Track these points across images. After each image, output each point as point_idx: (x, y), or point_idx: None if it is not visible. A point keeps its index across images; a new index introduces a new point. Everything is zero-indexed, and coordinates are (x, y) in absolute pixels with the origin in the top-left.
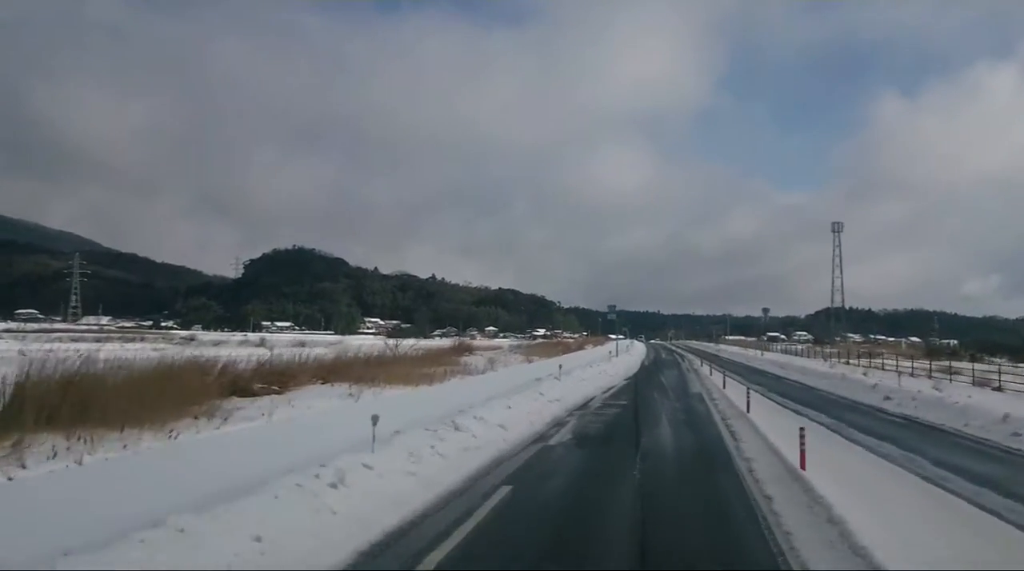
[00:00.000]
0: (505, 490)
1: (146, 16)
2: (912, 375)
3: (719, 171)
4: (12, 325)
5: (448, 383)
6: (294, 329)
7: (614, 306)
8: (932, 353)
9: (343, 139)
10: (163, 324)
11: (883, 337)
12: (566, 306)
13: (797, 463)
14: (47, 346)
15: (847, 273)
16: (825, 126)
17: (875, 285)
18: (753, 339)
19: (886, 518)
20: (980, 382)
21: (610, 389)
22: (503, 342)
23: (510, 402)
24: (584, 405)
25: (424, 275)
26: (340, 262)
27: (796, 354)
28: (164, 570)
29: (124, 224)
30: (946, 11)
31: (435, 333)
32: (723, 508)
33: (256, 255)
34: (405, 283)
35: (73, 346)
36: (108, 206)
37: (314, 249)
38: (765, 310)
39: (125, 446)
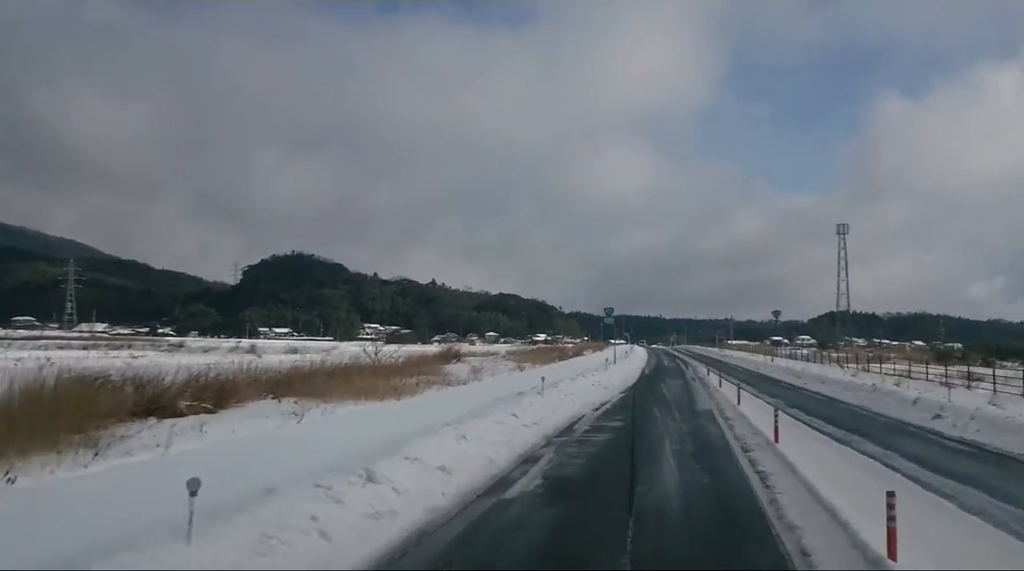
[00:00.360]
0: None
1: (145, 19)
2: (946, 384)
3: (721, 173)
4: (1, 333)
5: (418, 397)
6: (292, 335)
7: (611, 309)
8: (942, 357)
9: (344, 143)
10: (160, 331)
11: (887, 341)
12: (567, 311)
13: (874, 539)
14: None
15: (851, 276)
16: (828, 128)
17: (878, 289)
18: (756, 343)
19: None
20: None
21: (603, 406)
22: (500, 348)
23: (468, 428)
24: (568, 429)
25: (424, 280)
26: (339, 268)
27: (803, 359)
28: None
29: (125, 231)
30: (951, 11)
31: (435, 339)
32: None
33: (256, 261)
34: (405, 288)
35: (43, 354)
36: (109, 213)
37: (313, 255)
38: (776, 313)
39: None
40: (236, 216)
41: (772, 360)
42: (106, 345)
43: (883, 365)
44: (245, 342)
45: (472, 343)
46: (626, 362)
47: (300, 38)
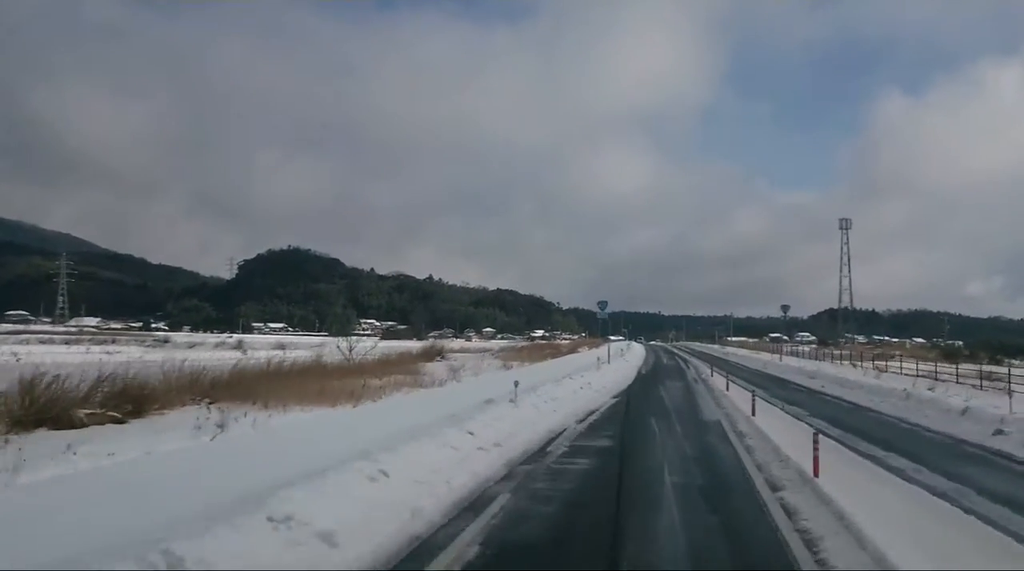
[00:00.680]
0: None
1: (142, 16)
2: (983, 388)
3: (721, 170)
4: None
5: (380, 402)
6: (287, 331)
7: (605, 303)
8: (949, 356)
9: (342, 139)
10: (153, 325)
11: (886, 338)
12: (566, 307)
13: None
14: None
15: (851, 273)
16: (828, 126)
17: (878, 286)
18: (756, 340)
19: None
20: None
21: (589, 416)
22: (496, 344)
23: (397, 458)
24: (540, 452)
25: (422, 276)
26: (336, 263)
27: (806, 357)
28: None
29: (122, 226)
30: (952, 8)
31: (431, 334)
32: None
33: (252, 256)
34: (402, 284)
35: (22, 349)
36: (106, 207)
37: (310, 249)
38: (784, 308)
39: None
40: (234, 212)
41: (781, 359)
42: (89, 340)
43: (895, 363)
44: (232, 337)
45: (468, 339)
46: (622, 361)
47: (298, 35)
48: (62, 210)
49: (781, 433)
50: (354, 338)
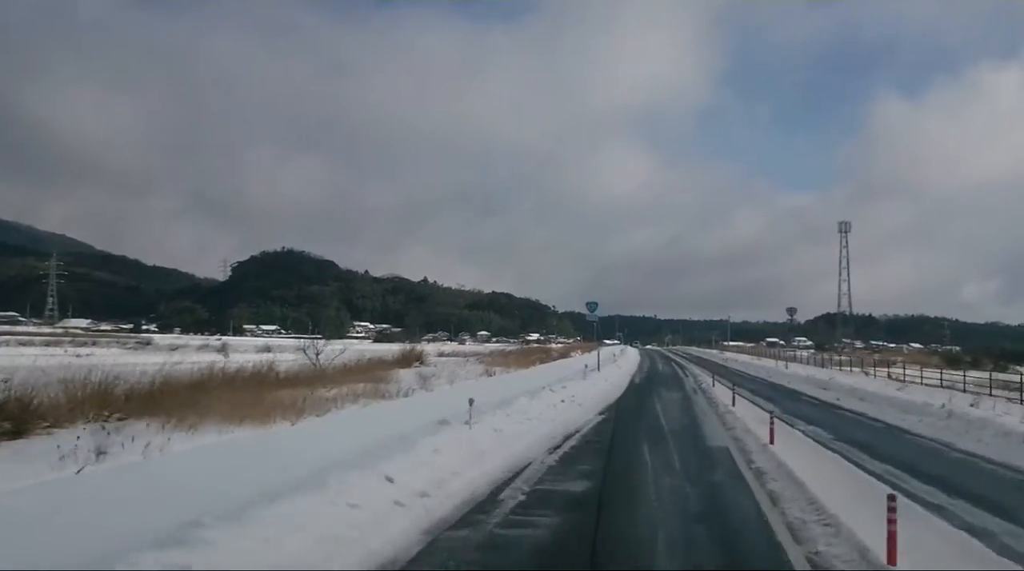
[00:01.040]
0: None
1: (137, 15)
2: (1022, 401)
3: (719, 173)
4: None
5: (325, 419)
6: (280, 333)
7: (595, 304)
8: (951, 362)
9: (338, 139)
10: (144, 327)
11: (883, 343)
12: (562, 311)
13: None
14: None
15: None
16: (826, 127)
17: (875, 291)
18: (752, 345)
19: None
20: None
21: (567, 441)
22: (490, 347)
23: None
24: (489, 501)
25: (417, 278)
26: (330, 264)
27: (809, 363)
28: None
29: (117, 226)
30: (952, 10)
31: (425, 337)
32: None
33: (246, 257)
34: (396, 286)
35: None
36: (101, 209)
37: (304, 251)
38: (791, 310)
39: None
40: (230, 213)
41: (787, 366)
42: (70, 342)
43: (897, 370)
44: (216, 340)
45: (463, 342)
46: (613, 368)
47: (294, 33)
48: (57, 211)
49: (814, 473)
50: (321, 342)
